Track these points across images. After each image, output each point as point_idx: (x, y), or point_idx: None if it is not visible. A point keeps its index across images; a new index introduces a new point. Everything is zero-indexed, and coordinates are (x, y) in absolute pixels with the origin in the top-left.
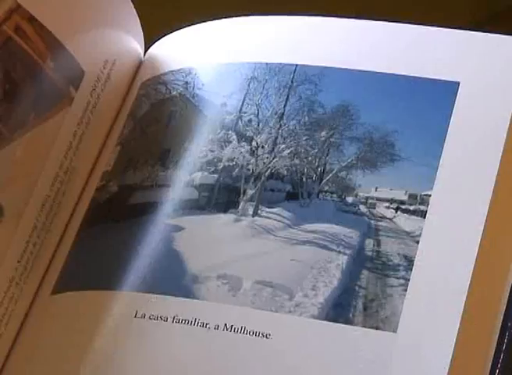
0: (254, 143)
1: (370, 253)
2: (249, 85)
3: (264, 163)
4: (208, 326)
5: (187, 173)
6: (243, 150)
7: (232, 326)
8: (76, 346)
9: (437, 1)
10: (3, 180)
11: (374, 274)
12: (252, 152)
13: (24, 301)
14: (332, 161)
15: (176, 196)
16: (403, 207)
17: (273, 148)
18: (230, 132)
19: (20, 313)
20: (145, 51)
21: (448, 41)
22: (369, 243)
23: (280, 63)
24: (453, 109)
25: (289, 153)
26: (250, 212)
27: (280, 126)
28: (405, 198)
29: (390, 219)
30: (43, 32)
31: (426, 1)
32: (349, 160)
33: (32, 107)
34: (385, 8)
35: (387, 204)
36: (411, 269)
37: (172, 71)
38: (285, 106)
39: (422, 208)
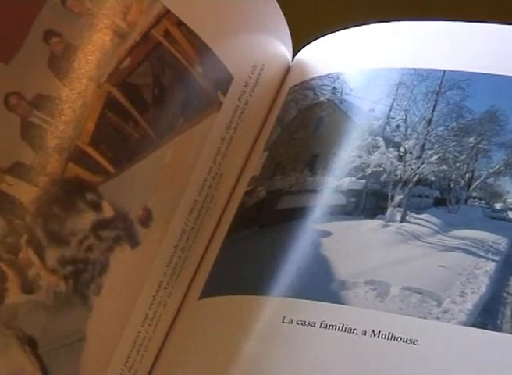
0: (401, 149)
1: None
2: (397, 91)
3: (412, 169)
4: (355, 332)
5: (335, 179)
6: (390, 156)
7: (379, 332)
8: (223, 351)
9: None
10: (152, 185)
11: None
12: (400, 158)
13: (172, 305)
14: (481, 167)
15: (324, 201)
16: None
17: (421, 154)
18: (378, 138)
19: (168, 318)
20: (293, 56)
21: None
22: None
23: (428, 69)
24: None
25: (437, 159)
26: (398, 217)
27: (428, 131)
28: None
29: None
30: (191, 37)
31: None
32: (497, 166)
33: (181, 112)
34: None
35: None
36: None
37: (320, 76)
38: (433, 112)
39: None
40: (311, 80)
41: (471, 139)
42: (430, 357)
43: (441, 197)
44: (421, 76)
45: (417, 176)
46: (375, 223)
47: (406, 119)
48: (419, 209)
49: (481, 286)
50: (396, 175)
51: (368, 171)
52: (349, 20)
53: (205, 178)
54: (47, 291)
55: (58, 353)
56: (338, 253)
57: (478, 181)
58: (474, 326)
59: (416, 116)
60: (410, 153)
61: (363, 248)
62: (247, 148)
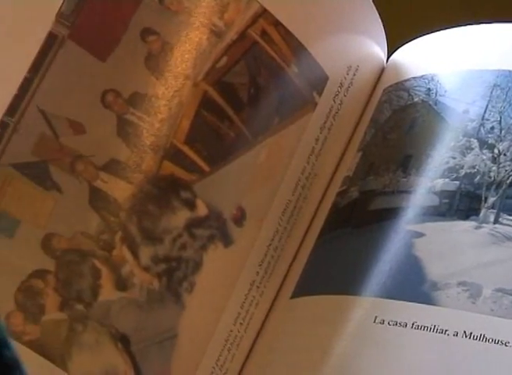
0: (495, 150)
1: None
2: (492, 92)
3: (505, 171)
4: (446, 333)
5: (429, 180)
6: (484, 157)
7: (471, 333)
8: (314, 350)
9: None
10: (246, 185)
11: None
12: (494, 160)
13: (264, 304)
14: None
15: (417, 202)
16: None
17: None
18: (472, 139)
19: (260, 317)
20: (388, 57)
21: None
22: None
23: None
24: None
25: None
26: (491, 219)
27: None
28: None
29: None
30: (288, 37)
31: None
32: None
33: (276, 111)
34: None
35: None
36: None
37: (415, 77)
38: None
39: None
40: (405, 81)
41: None
42: None
43: None
44: None
45: (511, 177)
46: (467, 225)
47: (500, 121)
48: None
49: None
50: (489, 176)
51: (462, 172)
52: (444, 22)
53: (299, 178)
54: (140, 289)
55: (149, 351)
56: (430, 254)
57: None
58: None
59: (511, 117)
60: (505, 155)
61: (455, 249)
62: (340, 148)
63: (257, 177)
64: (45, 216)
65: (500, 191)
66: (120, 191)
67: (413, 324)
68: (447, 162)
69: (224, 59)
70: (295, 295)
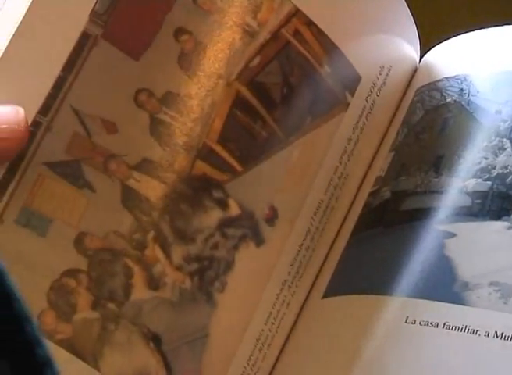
0: None
1: None
2: None
3: None
4: (478, 333)
5: (461, 180)
6: None
7: (502, 333)
8: (345, 350)
9: None
10: (278, 184)
11: None
12: None
13: (295, 304)
14: None
15: (449, 202)
16: None
17: None
18: (505, 139)
19: (291, 316)
20: (420, 57)
21: None
22: None
23: None
24: None
25: None
26: None
27: None
28: None
29: None
30: (320, 37)
31: None
32: None
33: (308, 111)
34: None
35: None
36: None
37: (448, 78)
38: None
39: None
40: (438, 81)
41: None
42: None
43: None
44: None
45: None
46: (499, 225)
47: None
48: None
49: None
50: None
51: (494, 173)
52: (477, 22)
53: (331, 178)
54: (172, 288)
55: (181, 350)
56: (462, 254)
57: None
58: None
59: None
60: None
61: (487, 249)
62: (372, 148)
63: (290, 177)
64: (78, 215)
65: None
66: (153, 190)
67: (444, 324)
68: (479, 163)
69: (257, 59)
70: (326, 295)
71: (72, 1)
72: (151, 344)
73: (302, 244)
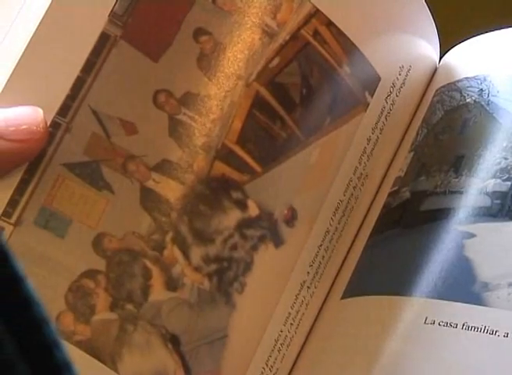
0: None
1: None
2: None
3: None
4: (497, 333)
5: (480, 180)
6: None
7: None
8: (364, 351)
9: None
10: (298, 185)
11: None
12: None
13: (314, 305)
14: None
15: (469, 203)
16: None
17: None
18: None
19: (310, 317)
20: (440, 57)
21: None
22: None
23: None
24: None
25: None
26: None
27: None
28: None
29: None
30: (340, 37)
31: None
32: None
33: (328, 112)
34: None
35: None
36: None
37: (468, 78)
38: None
39: None
40: (457, 81)
41: None
42: None
43: None
44: None
45: None
46: None
47: None
48: None
49: None
50: None
51: None
52: (497, 23)
53: (350, 178)
54: (191, 289)
55: (199, 351)
56: (481, 255)
57: None
58: None
59: None
60: None
61: (507, 250)
62: (392, 148)
63: (309, 178)
64: (97, 216)
65: None
66: (172, 191)
67: (463, 325)
68: (499, 163)
69: (276, 60)
70: (345, 296)
71: (92, 2)
72: (170, 346)
73: (321, 245)
